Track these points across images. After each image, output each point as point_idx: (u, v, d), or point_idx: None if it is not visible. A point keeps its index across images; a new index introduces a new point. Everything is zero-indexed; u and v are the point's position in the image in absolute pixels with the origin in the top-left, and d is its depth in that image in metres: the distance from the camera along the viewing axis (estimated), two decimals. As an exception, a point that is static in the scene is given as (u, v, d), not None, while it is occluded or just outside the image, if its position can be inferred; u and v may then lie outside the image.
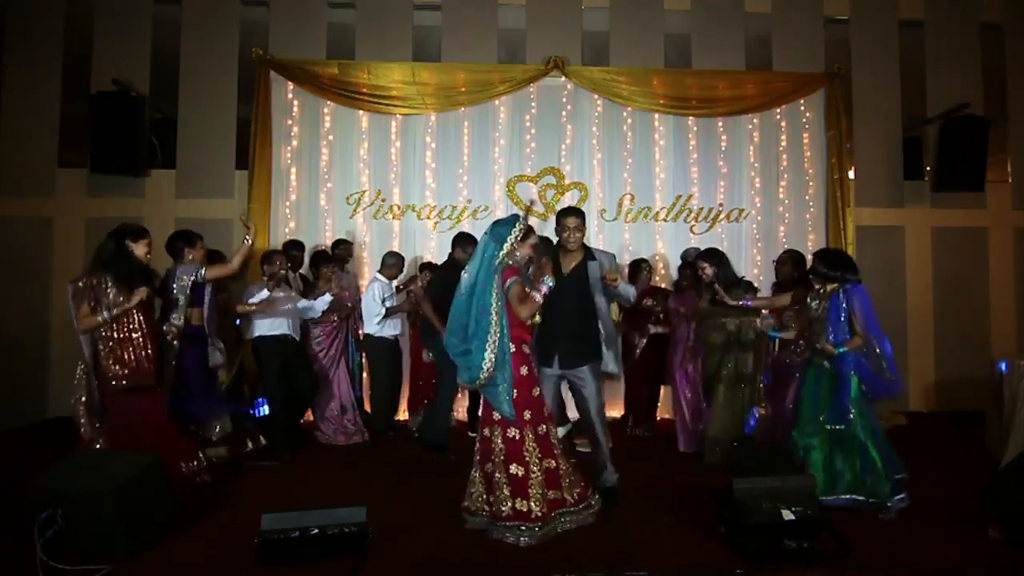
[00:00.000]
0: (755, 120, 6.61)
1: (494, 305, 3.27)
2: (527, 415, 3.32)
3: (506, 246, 3.34)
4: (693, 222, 6.51)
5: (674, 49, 6.82)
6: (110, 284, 3.67)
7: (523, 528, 3.19)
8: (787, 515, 3.03)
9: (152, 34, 6.48)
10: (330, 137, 6.36)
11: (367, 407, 5.64)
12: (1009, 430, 4.48)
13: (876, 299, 6.65)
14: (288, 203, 6.28)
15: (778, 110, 6.62)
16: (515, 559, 3.08)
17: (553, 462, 3.36)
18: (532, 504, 3.21)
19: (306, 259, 5.78)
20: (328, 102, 6.33)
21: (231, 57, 6.50)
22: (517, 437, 3.29)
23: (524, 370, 3.35)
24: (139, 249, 3.82)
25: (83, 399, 3.75)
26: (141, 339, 3.75)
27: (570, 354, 3.75)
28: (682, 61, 6.81)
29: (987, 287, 6.92)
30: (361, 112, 6.37)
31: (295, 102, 6.34)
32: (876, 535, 3.36)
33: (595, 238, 6.40)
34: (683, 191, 6.51)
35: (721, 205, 6.54)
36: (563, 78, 6.42)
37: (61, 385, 6.24)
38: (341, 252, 5.67)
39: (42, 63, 6.39)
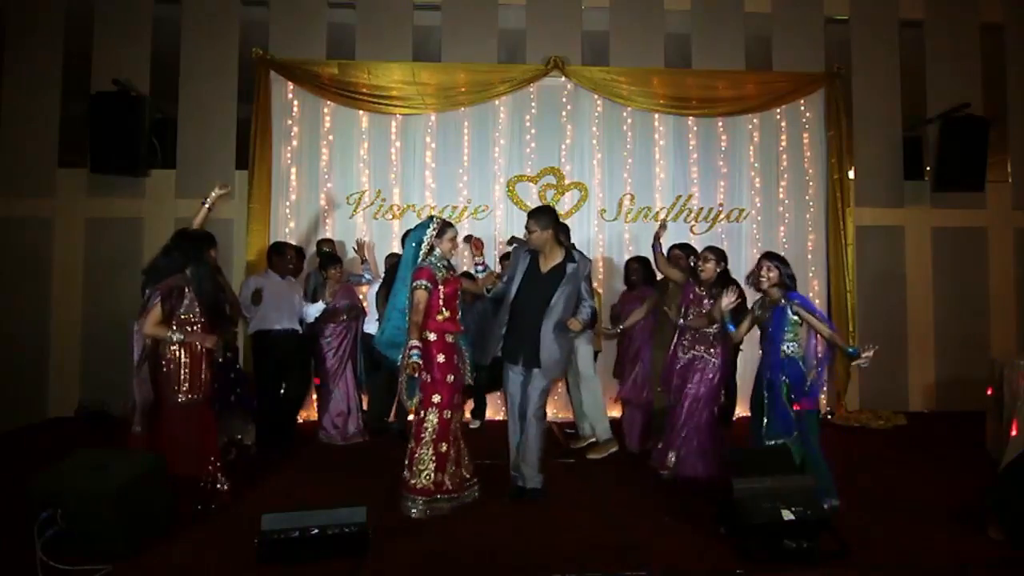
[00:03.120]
0: (755, 120, 6.61)
1: (405, 303, 3.69)
2: (436, 399, 3.61)
3: (424, 245, 3.68)
4: (693, 222, 6.51)
5: (674, 49, 6.82)
6: (188, 300, 3.58)
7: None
8: (787, 515, 3.03)
9: (152, 34, 6.48)
10: (330, 137, 6.36)
11: (365, 407, 5.65)
12: (1009, 430, 4.48)
13: (876, 299, 6.77)
14: (288, 203, 6.28)
15: (778, 110, 6.62)
16: (514, 558, 3.08)
17: (445, 446, 3.63)
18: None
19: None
20: (328, 102, 6.33)
21: (231, 57, 6.50)
22: (435, 419, 3.63)
23: (441, 358, 3.63)
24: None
25: (138, 403, 3.57)
26: (196, 359, 3.64)
27: (530, 353, 3.77)
28: (682, 61, 6.81)
29: (987, 287, 6.92)
30: (361, 112, 6.37)
31: (295, 102, 6.34)
32: (876, 535, 3.36)
33: (595, 238, 6.41)
34: (683, 191, 6.52)
35: (721, 205, 6.54)
36: (563, 78, 6.42)
37: (61, 385, 6.28)
38: (328, 251, 5.67)
39: (42, 63, 6.39)
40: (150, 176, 6.43)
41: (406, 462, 3.65)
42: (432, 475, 3.59)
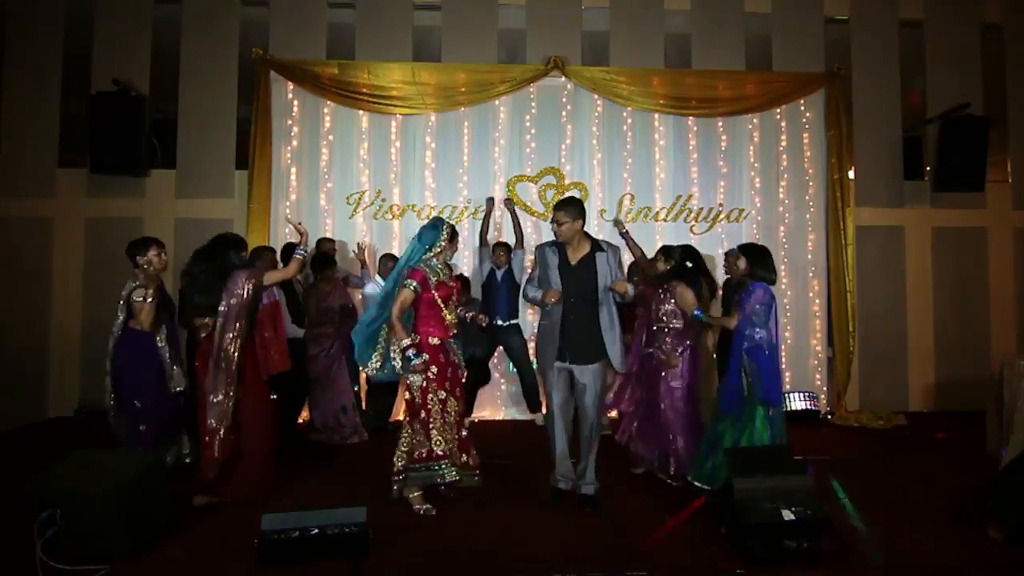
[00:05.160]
0: (755, 120, 6.61)
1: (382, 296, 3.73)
2: (448, 384, 3.70)
3: (436, 247, 3.70)
4: (693, 222, 6.51)
5: (674, 49, 6.81)
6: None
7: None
8: (787, 515, 3.03)
9: (152, 34, 6.49)
10: (330, 137, 6.36)
11: (364, 406, 5.65)
12: (1009, 430, 4.48)
13: (876, 299, 6.77)
14: (288, 203, 6.27)
15: (778, 110, 6.61)
16: (515, 559, 3.08)
17: (463, 431, 3.76)
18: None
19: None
20: (328, 102, 6.33)
21: (231, 57, 6.50)
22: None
23: (442, 356, 3.68)
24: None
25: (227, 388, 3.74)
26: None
27: (577, 349, 3.70)
28: (682, 61, 6.81)
29: (987, 287, 6.92)
30: (361, 112, 6.36)
31: (295, 102, 6.34)
32: (876, 535, 3.36)
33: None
34: (683, 191, 6.51)
35: (721, 205, 6.54)
36: (563, 78, 6.41)
37: (61, 385, 6.28)
38: (326, 249, 5.66)
39: (42, 63, 6.40)
40: (150, 176, 6.44)
41: (419, 439, 3.68)
42: (452, 444, 3.67)
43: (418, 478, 3.67)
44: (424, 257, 3.71)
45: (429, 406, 3.63)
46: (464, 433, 3.77)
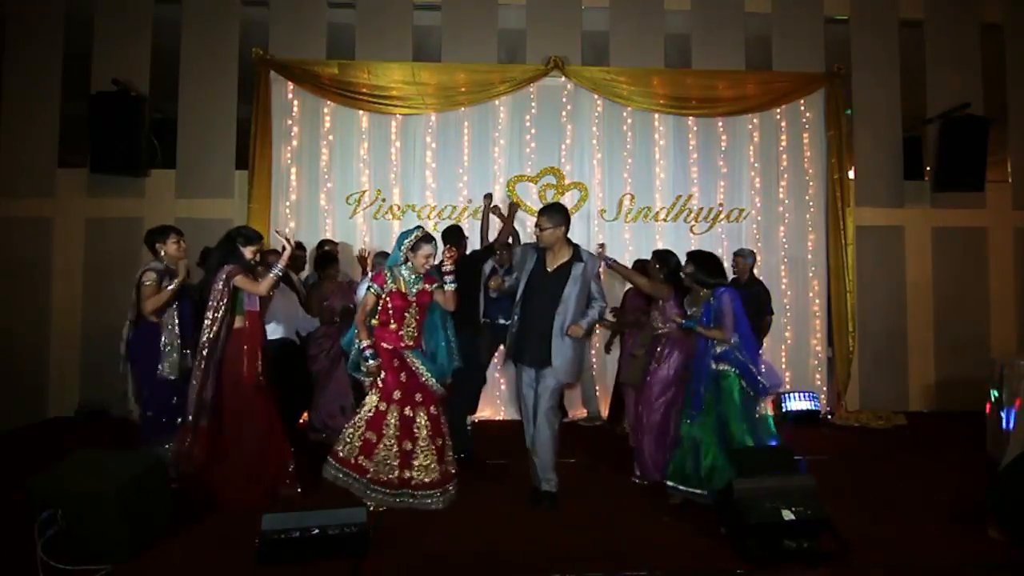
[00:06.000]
0: (755, 120, 6.61)
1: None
2: (396, 395, 3.63)
3: (400, 252, 3.68)
4: (693, 222, 6.51)
5: (674, 49, 6.82)
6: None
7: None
8: (787, 515, 3.03)
9: (152, 34, 6.49)
10: (330, 137, 6.36)
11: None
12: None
13: (876, 299, 6.78)
14: (288, 203, 6.27)
15: (778, 110, 6.61)
16: (515, 559, 3.08)
17: (409, 444, 3.61)
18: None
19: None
20: (328, 102, 6.33)
21: (231, 57, 6.51)
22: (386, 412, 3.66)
23: (395, 362, 3.66)
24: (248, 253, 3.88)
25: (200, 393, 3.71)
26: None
27: (538, 353, 3.72)
28: (682, 61, 6.81)
29: (987, 287, 6.92)
30: (361, 112, 6.37)
31: (295, 102, 6.34)
32: (876, 535, 3.36)
33: (595, 238, 6.40)
34: (683, 191, 6.51)
35: (721, 205, 6.54)
36: (563, 78, 6.41)
37: (61, 385, 6.28)
38: (327, 250, 5.65)
39: (42, 63, 6.40)
40: (150, 176, 6.43)
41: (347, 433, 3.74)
42: (357, 454, 3.62)
43: (337, 479, 3.65)
44: (399, 261, 3.72)
45: (359, 410, 3.71)
46: (409, 447, 3.61)
